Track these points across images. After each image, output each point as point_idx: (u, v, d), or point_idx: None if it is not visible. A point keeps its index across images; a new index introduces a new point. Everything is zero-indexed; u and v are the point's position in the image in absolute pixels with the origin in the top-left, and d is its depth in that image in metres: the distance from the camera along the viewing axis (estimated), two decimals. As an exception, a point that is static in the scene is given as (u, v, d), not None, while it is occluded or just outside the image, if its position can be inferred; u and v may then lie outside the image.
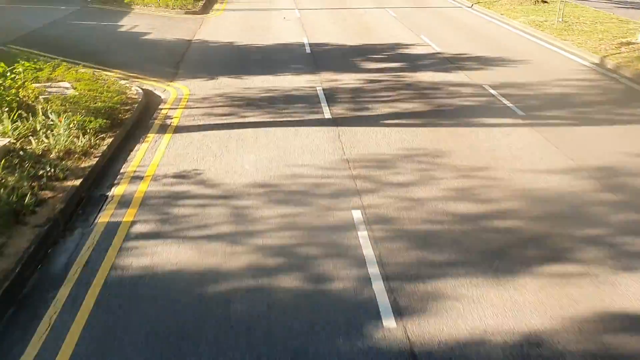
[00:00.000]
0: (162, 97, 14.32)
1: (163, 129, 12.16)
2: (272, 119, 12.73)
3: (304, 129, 12.09)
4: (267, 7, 28.01)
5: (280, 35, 21.47)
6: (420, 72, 16.58)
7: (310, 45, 19.95)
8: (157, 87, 15.08)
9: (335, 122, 12.58)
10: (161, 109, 13.43)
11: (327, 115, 13.00)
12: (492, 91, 14.83)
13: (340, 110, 13.36)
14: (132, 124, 12.34)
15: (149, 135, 11.80)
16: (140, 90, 14.22)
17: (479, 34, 22.44)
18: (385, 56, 18.68)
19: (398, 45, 20.10)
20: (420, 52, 19.11)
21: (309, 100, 14.09)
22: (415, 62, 17.80)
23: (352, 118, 12.88)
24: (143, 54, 18.20)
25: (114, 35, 20.59)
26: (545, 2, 28.33)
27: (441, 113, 13.25)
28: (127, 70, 16.22)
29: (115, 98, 13.00)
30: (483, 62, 17.90)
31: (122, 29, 21.76)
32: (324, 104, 13.72)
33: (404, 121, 12.67)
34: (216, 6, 28.13)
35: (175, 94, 14.52)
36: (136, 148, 11.15)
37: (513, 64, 17.71)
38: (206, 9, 26.90)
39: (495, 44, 20.54)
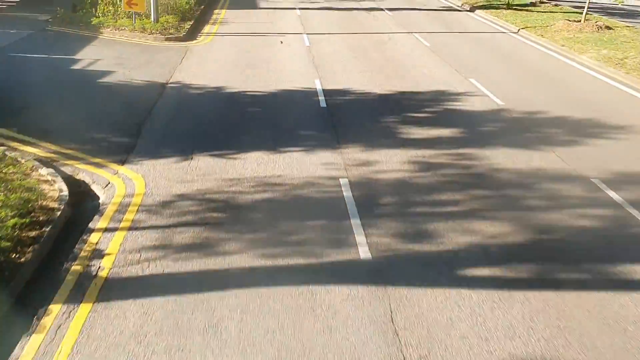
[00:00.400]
0: (101, 200, 9.14)
1: (80, 289, 6.91)
2: (269, 263, 7.52)
3: (328, 294, 6.87)
4: (267, 30, 22.82)
5: (285, 75, 16.29)
6: (491, 149, 11.36)
7: (325, 93, 14.77)
8: (99, 175, 9.89)
9: (379, 270, 7.37)
10: (91, 230, 8.21)
11: (364, 251, 7.78)
12: (613, 194, 9.59)
13: (383, 237, 8.15)
14: (30, 276, 7.15)
15: (51, 307, 6.58)
16: (65, 191, 9.02)
17: (543, 75, 17.23)
18: (431, 114, 13.48)
19: (444, 95, 14.91)
20: (477, 108, 13.90)
21: (330, 209, 8.90)
22: (476, 127, 12.60)
23: (406, 260, 7.66)
24: (94, 110, 12.98)
25: (63, 77, 15.38)
26: (610, 28, 23.11)
27: (551, 252, 7.99)
28: (62, 142, 11.04)
29: (11, 221, 7.79)
30: (571, 129, 12.66)
31: (78, 66, 16.55)
32: (355, 221, 8.52)
33: (497, 272, 7.44)
34: (206, 29, 22.94)
35: (122, 192, 9.32)
36: (15, 354, 5.93)
37: (614, 134, 12.48)
38: (193, 33, 21.68)
39: (572, 94, 15.33)
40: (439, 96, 14.84)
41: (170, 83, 15.32)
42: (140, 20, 21.60)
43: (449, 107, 14.05)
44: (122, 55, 17.85)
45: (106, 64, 16.74)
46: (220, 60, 17.83)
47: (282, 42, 20.68)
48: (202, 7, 26.65)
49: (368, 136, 11.91)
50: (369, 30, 23.34)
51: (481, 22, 26.20)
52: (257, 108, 13.63)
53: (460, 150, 11.29)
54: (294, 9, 28.22)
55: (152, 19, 21.58)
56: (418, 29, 23.69)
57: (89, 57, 17.32)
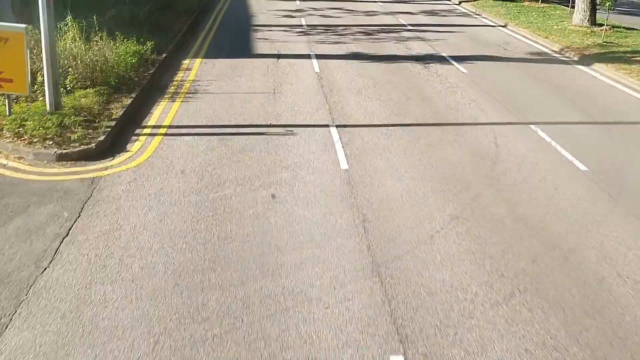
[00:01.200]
0: None
1: None
2: None
3: None
4: (264, 114, 12.47)
5: (297, 318, 5.99)
6: None
7: None
8: None
9: None
10: None
11: None
12: None
13: None
14: None
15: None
16: None
17: None
18: None
19: None
20: None
21: None
22: None
23: None
24: None
25: None
26: None
27: None
28: None
29: None
30: None
31: None
32: None
33: None
34: (155, 113, 12.58)
35: None
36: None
37: None
38: (122, 133, 11.30)
39: None
40: None
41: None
42: (24, 106, 11.36)
43: None
44: None
45: None
46: (149, 244, 7.52)
47: (273, 197, 9.65)
48: (164, 55, 16.43)
49: None
50: (446, 116, 13.01)
51: (621, 92, 15.80)
52: None
53: None
54: (309, 57, 17.95)
55: (47, 105, 11.27)
56: (530, 113, 13.38)
57: None
